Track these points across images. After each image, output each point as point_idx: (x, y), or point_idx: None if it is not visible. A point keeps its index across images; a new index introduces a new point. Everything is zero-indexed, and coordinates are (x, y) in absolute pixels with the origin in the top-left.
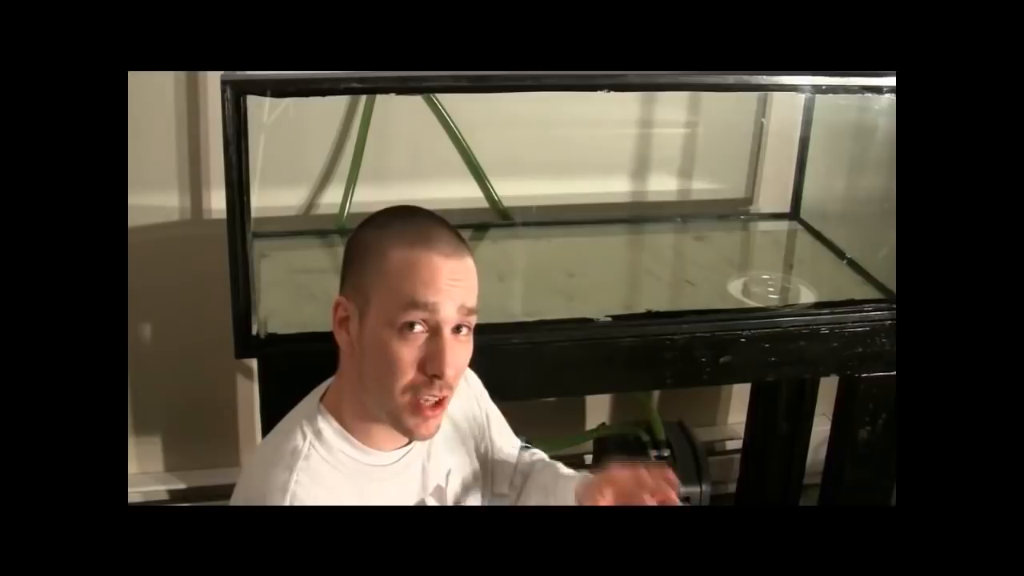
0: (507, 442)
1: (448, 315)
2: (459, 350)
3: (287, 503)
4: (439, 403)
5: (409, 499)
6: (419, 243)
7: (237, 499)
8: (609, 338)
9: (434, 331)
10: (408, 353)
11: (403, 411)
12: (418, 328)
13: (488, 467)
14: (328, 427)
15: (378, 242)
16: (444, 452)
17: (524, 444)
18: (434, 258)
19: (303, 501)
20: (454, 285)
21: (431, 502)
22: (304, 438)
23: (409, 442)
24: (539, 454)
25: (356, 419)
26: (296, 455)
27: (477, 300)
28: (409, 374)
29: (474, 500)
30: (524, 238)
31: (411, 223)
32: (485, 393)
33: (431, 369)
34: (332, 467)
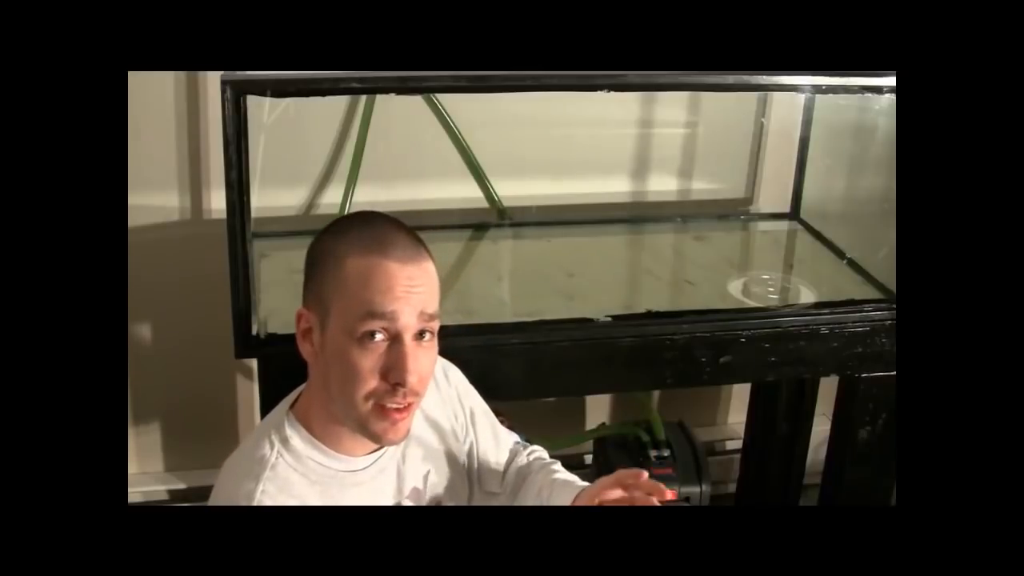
0: (495, 439)
1: (408, 322)
2: (422, 356)
3: None
4: (406, 408)
5: (384, 503)
6: (375, 250)
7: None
8: (609, 338)
9: (395, 339)
10: (369, 362)
11: (368, 418)
12: (379, 337)
13: (474, 465)
14: (296, 435)
15: (334, 251)
16: (422, 454)
17: (523, 442)
18: (390, 265)
19: None
20: (412, 291)
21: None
22: (271, 447)
23: (382, 446)
24: (538, 452)
25: (326, 426)
26: (263, 464)
27: (439, 304)
28: (371, 383)
29: (457, 501)
30: (524, 238)
31: (366, 230)
32: (470, 389)
33: (393, 378)
34: (301, 475)
